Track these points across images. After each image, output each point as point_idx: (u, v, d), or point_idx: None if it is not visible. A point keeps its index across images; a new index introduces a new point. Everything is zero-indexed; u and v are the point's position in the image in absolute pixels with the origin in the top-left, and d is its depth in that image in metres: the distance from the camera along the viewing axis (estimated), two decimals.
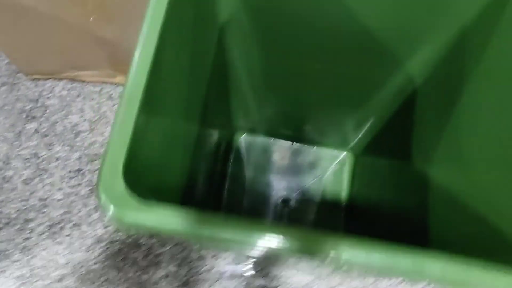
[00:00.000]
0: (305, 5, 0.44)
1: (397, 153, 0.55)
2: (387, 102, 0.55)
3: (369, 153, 0.63)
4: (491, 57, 0.39)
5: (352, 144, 0.66)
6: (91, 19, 0.58)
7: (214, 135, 0.58)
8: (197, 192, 0.51)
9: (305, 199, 0.65)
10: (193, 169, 0.48)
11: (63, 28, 0.60)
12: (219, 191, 0.63)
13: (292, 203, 0.65)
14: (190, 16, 0.38)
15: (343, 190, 0.65)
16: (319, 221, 0.63)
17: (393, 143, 0.57)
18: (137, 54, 0.29)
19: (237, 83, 0.58)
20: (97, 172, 0.68)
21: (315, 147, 0.67)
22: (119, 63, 0.68)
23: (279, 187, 0.65)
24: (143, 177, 0.28)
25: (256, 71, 0.56)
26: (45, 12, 0.57)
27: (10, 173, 0.68)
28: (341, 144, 0.66)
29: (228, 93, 0.59)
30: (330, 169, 0.66)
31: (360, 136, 0.63)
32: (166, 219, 0.25)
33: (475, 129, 0.40)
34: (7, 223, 0.66)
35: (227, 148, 0.66)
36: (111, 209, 0.25)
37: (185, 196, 0.42)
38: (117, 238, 0.66)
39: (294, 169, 0.66)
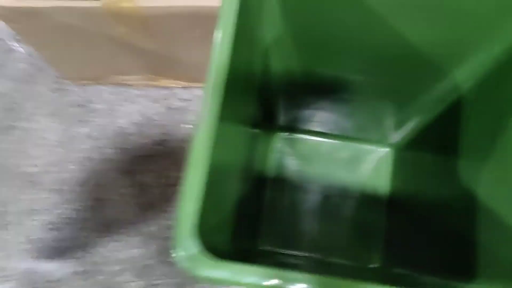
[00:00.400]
0: (351, 26, 0.46)
1: (442, 152, 0.56)
2: (431, 105, 0.56)
3: (411, 149, 0.64)
4: None
5: (393, 140, 0.67)
6: (134, 35, 0.60)
7: (254, 137, 0.61)
8: (243, 199, 0.54)
9: (346, 195, 0.67)
10: (242, 182, 0.51)
11: (107, 43, 0.63)
12: (261, 192, 0.66)
13: (333, 199, 0.67)
14: (245, 46, 0.40)
15: (384, 186, 0.66)
16: (361, 216, 0.66)
17: (437, 143, 0.58)
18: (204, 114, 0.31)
19: (277, 87, 0.60)
20: (147, 173, 0.73)
21: (355, 143, 0.68)
22: (162, 68, 0.71)
23: (320, 184, 0.68)
24: (210, 226, 0.31)
25: (296, 78, 0.58)
26: (90, 30, 0.60)
27: (66, 176, 0.73)
28: (382, 141, 0.67)
29: (268, 98, 0.62)
30: (370, 165, 0.68)
31: (402, 133, 0.65)
32: (235, 275, 0.28)
33: None
34: (68, 223, 0.72)
35: (267, 149, 0.69)
36: (186, 265, 0.28)
37: (235, 215, 0.46)
38: (168, 234, 0.71)
39: (335, 166, 0.68)
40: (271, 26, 0.47)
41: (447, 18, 0.43)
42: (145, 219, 0.72)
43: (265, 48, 0.49)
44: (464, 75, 0.49)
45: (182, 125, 0.75)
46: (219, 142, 0.32)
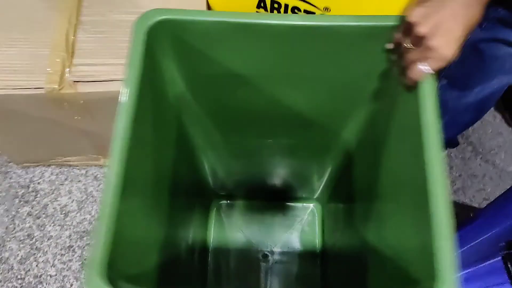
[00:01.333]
0: (253, 109, 0.55)
1: (347, 202, 0.64)
2: (335, 158, 0.65)
3: (331, 201, 0.73)
4: (393, 138, 0.47)
5: (318, 195, 0.76)
6: (76, 118, 0.67)
7: (190, 207, 0.67)
8: (181, 264, 0.59)
9: (284, 252, 0.74)
10: (172, 245, 0.56)
11: (51, 126, 0.69)
12: (203, 259, 0.71)
13: (272, 257, 0.73)
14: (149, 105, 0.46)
15: (317, 239, 0.74)
16: (299, 270, 0.72)
17: (344, 194, 0.66)
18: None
19: (203, 155, 0.68)
20: (86, 248, 0.76)
21: (286, 202, 0.77)
22: (103, 148, 0.77)
23: (259, 245, 0.74)
24: (124, 270, 0.36)
25: (217, 146, 0.65)
26: (35, 115, 0.66)
27: (6, 254, 0.75)
28: (309, 196, 0.76)
29: (197, 164, 0.69)
30: (303, 220, 0.75)
31: (322, 187, 0.73)
32: None
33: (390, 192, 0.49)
34: None
35: (205, 217, 0.75)
36: None
37: (166, 272, 0.50)
38: None
39: (270, 226, 0.75)
40: (175, 90, 0.55)
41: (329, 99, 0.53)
42: None
43: (175, 107, 0.56)
44: (349, 132, 0.59)
45: None
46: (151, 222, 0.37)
